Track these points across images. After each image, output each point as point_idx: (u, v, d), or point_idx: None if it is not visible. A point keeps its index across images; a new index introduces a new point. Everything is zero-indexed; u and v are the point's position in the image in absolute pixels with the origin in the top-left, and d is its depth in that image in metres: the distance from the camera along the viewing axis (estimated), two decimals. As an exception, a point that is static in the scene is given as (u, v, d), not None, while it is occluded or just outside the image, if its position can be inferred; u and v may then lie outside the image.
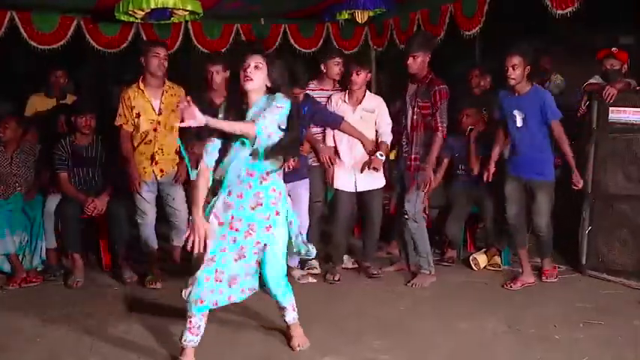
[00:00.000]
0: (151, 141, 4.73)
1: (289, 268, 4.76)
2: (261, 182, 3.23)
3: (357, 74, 4.65)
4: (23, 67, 6.97)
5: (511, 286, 4.55)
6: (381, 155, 4.62)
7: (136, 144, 4.74)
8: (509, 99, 4.54)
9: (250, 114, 3.21)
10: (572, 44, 6.68)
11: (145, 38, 5.69)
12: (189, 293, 3.17)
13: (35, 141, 5.28)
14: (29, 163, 5.07)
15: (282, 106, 3.18)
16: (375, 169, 4.63)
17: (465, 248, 5.52)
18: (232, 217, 3.24)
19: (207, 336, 3.29)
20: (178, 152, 4.67)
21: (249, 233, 3.24)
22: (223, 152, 3.21)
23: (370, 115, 4.73)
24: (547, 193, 4.55)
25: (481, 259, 5.07)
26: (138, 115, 4.68)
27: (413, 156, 4.64)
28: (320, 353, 3.43)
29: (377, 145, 4.71)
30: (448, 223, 5.20)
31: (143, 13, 4.83)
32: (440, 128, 4.55)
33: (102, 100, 7.59)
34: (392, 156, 5.03)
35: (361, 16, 5.52)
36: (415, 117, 4.62)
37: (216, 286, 3.21)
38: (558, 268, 4.94)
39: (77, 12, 5.47)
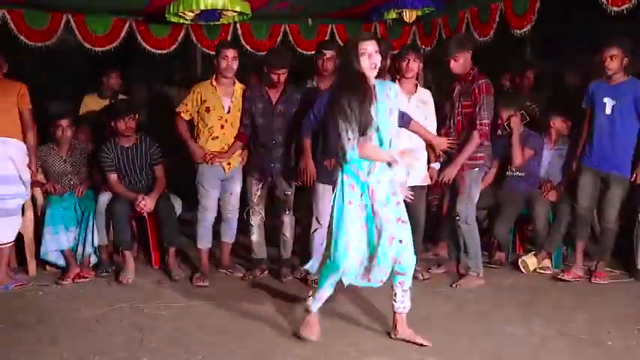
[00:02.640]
0: (217, 137, 4.79)
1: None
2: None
3: (414, 61, 4.59)
4: (77, 68, 7.15)
5: (563, 276, 4.68)
6: (438, 165, 4.62)
7: (204, 140, 4.81)
8: (602, 87, 4.60)
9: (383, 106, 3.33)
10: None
11: (194, 40, 5.79)
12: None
13: (88, 140, 5.43)
14: (83, 162, 5.21)
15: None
16: (431, 179, 4.66)
17: (513, 250, 5.42)
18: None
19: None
20: None
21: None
22: None
23: (424, 107, 4.68)
24: (622, 187, 4.58)
25: (530, 261, 4.97)
26: (207, 110, 4.77)
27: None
28: (366, 353, 3.42)
29: (427, 148, 4.67)
30: (497, 224, 5.11)
31: (193, 14, 4.91)
32: (478, 127, 4.44)
33: (151, 101, 7.75)
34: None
35: (409, 15, 5.48)
36: (460, 117, 4.58)
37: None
38: (612, 272, 4.83)
39: (129, 14, 5.59)
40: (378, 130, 3.31)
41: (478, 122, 4.47)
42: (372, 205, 3.36)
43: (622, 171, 4.56)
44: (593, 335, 3.65)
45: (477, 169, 4.60)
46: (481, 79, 4.49)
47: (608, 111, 4.54)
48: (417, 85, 4.74)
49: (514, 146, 5.01)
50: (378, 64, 3.30)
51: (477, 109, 4.46)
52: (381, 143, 3.35)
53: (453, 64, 4.51)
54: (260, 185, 4.76)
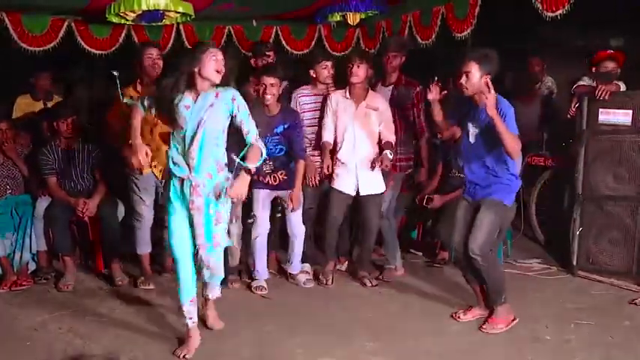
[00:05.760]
0: (148, 144, 4.70)
1: (292, 275, 4.78)
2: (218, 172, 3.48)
3: (358, 67, 4.53)
4: (16, 68, 6.93)
5: (459, 317, 3.99)
6: (391, 153, 4.45)
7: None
8: (467, 109, 3.84)
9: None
10: (562, 46, 6.71)
11: (136, 40, 5.67)
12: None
13: (27, 144, 5.26)
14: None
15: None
16: (387, 166, 4.43)
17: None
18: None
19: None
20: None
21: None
22: None
23: (374, 113, 4.58)
24: (493, 212, 3.73)
25: (473, 260, 5.08)
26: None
27: (397, 157, 4.67)
28: (312, 355, 3.44)
29: (381, 143, 4.60)
30: (440, 224, 5.21)
31: (134, 15, 4.82)
32: (424, 131, 4.67)
33: (92, 101, 7.55)
34: None
35: (353, 18, 5.52)
36: (396, 118, 4.66)
37: None
38: (549, 268, 4.99)
39: (68, 13, 5.44)
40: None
41: (424, 128, 4.71)
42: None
43: (497, 196, 3.76)
44: (533, 331, 3.77)
45: (408, 171, 4.85)
46: (417, 85, 4.68)
47: (472, 139, 3.81)
48: (367, 90, 4.63)
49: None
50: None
51: (420, 116, 4.64)
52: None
53: (391, 60, 4.70)
54: None
